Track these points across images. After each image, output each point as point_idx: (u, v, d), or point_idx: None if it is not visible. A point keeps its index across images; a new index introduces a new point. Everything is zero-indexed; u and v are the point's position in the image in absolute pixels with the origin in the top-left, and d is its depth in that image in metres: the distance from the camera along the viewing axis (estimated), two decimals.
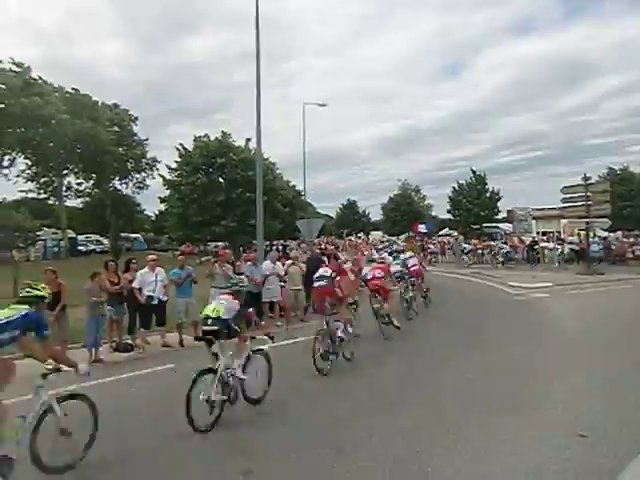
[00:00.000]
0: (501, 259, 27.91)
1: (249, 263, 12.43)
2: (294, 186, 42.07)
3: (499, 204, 46.80)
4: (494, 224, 46.61)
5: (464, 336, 10.01)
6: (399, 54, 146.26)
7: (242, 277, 8.42)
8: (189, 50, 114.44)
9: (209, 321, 5.74)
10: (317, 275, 8.50)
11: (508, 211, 45.24)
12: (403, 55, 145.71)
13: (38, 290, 4.55)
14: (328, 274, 8.46)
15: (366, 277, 10.44)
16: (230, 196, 31.23)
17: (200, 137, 33.84)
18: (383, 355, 8.64)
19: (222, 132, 33.94)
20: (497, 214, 46.90)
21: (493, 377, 6.96)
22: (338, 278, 8.69)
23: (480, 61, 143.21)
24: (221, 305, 5.88)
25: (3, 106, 33.96)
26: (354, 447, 4.69)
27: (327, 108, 32.96)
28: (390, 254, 14.61)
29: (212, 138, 33.73)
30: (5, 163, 38.92)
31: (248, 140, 32.94)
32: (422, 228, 31.12)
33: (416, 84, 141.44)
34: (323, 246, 23.67)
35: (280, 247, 30.28)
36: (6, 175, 39.47)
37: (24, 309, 4.26)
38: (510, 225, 43.73)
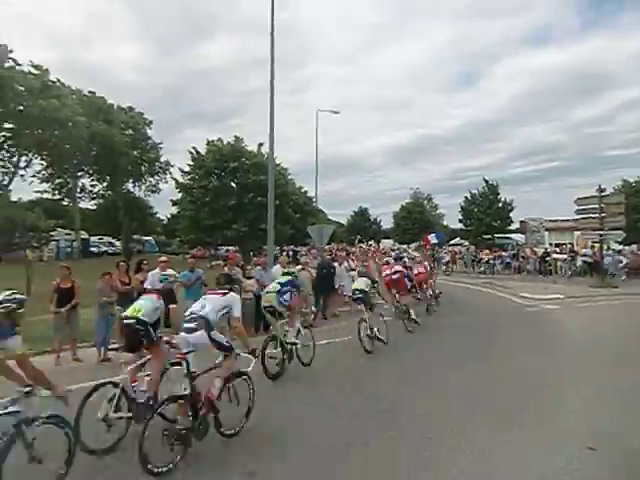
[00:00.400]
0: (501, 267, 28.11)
1: (259, 267, 12.44)
2: (306, 192, 42.07)
3: (512, 214, 46.50)
4: (506, 235, 46.31)
5: (475, 345, 9.95)
6: (413, 63, 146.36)
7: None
8: (205, 55, 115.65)
9: (356, 292, 9.58)
10: (393, 270, 11.87)
11: (521, 222, 44.93)
12: (417, 64, 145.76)
13: (294, 269, 9.29)
14: (401, 269, 12.02)
15: (412, 272, 13.16)
16: (242, 200, 31.32)
17: (213, 141, 34.04)
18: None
19: (235, 137, 34.13)
20: (509, 224, 46.58)
21: (504, 387, 6.90)
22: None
23: (496, 70, 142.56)
24: (362, 282, 9.78)
25: (22, 108, 34.47)
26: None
27: (340, 115, 33.16)
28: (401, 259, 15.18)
29: (225, 142, 33.93)
30: (22, 164, 39.44)
31: (260, 145, 33.06)
32: (433, 238, 30.94)
33: (430, 93, 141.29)
34: (333, 253, 23.60)
35: (290, 252, 30.30)
36: (22, 176, 39.98)
37: (291, 277, 8.42)
38: (522, 236, 43.42)
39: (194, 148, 33.77)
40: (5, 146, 37.67)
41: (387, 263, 12.86)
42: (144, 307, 5.52)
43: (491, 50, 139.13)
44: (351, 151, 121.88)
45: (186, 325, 5.11)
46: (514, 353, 9.14)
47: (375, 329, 9.40)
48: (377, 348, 9.36)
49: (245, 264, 13.63)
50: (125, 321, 5.47)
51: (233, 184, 32.91)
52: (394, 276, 11.74)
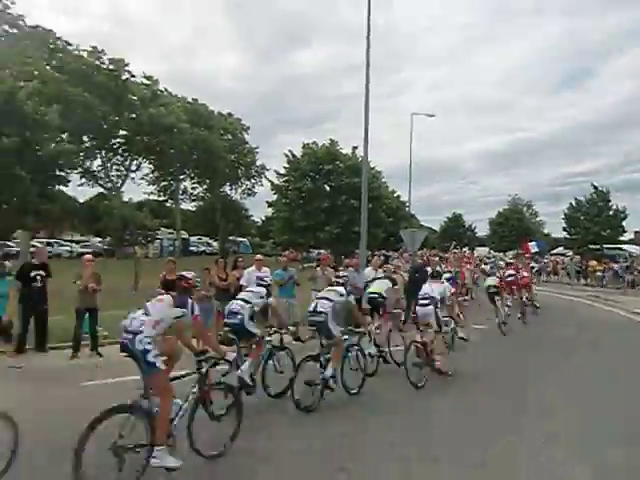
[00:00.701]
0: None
1: (351, 269, 12.31)
2: (398, 196, 41.52)
3: (624, 224, 42.54)
4: (617, 245, 42.50)
5: (583, 362, 9.19)
6: (512, 63, 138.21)
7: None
8: (299, 62, 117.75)
9: (491, 287, 12.44)
10: (507, 274, 14.10)
11: (635, 232, 41.18)
12: (516, 64, 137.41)
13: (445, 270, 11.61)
14: (513, 272, 14.29)
15: (518, 276, 14.54)
16: (335, 203, 31.58)
17: (308, 144, 34.65)
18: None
19: (330, 140, 34.51)
20: (622, 234, 42.64)
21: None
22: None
23: (605, 69, 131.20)
24: (494, 280, 12.66)
25: (134, 116, 37.43)
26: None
27: (435, 119, 32.17)
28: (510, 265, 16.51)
29: (320, 145, 34.40)
30: (133, 167, 42.78)
31: (355, 148, 33.18)
32: (533, 246, 29.17)
33: (529, 94, 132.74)
34: (426, 257, 22.98)
35: (382, 256, 29.96)
36: (133, 178, 43.39)
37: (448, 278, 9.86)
38: (637, 247, 39.72)
39: (290, 151, 34.61)
40: (120, 151, 41.10)
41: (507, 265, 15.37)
42: (383, 287, 8.02)
43: (600, 47, 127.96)
44: (445, 155, 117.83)
45: (421, 301, 7.42)
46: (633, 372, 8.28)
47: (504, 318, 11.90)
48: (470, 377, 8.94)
49: (337, 265, 13.61)
50: (370, 295, 8.06)
51: (327, 186, 33.30)
52: (508, 278, 13.75)
